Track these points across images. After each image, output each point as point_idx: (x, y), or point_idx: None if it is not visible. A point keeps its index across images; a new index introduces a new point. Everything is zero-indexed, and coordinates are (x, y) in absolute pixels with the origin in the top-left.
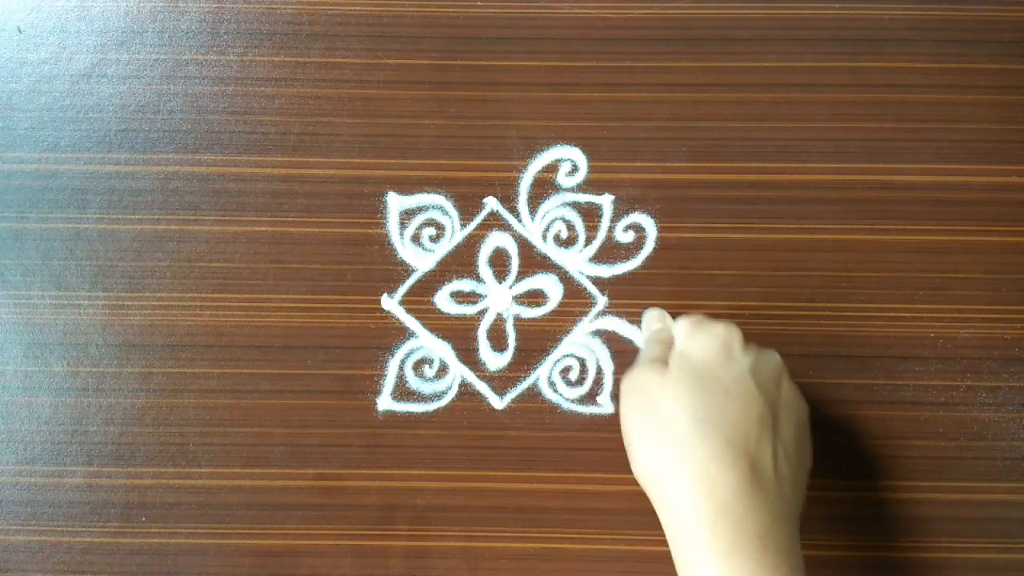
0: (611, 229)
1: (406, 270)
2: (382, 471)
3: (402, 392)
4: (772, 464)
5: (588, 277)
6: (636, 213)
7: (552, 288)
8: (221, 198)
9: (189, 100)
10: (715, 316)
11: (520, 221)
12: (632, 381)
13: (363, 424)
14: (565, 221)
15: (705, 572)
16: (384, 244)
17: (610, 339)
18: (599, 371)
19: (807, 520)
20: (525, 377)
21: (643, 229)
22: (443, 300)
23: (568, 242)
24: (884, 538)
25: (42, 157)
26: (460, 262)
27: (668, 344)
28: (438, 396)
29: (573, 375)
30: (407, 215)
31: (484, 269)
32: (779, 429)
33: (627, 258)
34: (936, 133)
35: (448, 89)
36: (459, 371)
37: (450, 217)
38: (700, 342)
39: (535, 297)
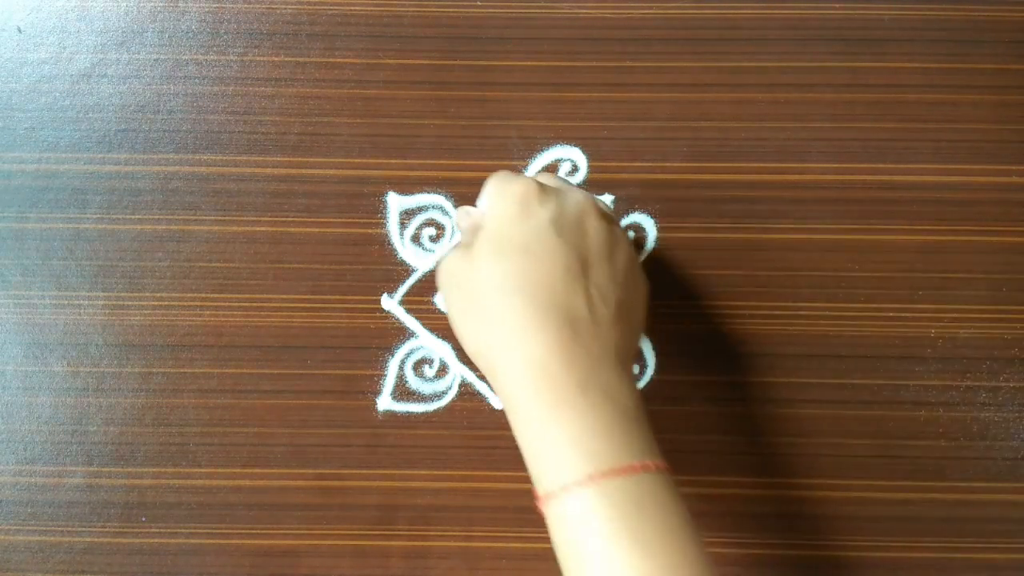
0: None
1: (406, 270)
2: (382, 471)
3: (402, 392)
4: (587, 310)
5: None
6: (636, 213)
7: None
8: (221, 198)
9: (189, 100)
10: (715, 316)
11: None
12: (442, 268)
13: (363, 424)
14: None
15: (531, 431)
16: (384, 244)
17: None
18: None
19: (804, 520)
20: None
21: (643, 229)
22: (443, 300)
23: None
24: (884, 538)
25: (42, 157)
26: None
27: (478, 227)
28: (438, 396)
29: None
30: (407, 215)
31: None
32: (590, 273)
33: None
34: (936, 133)
35: (448, 89)
36: (459, 371)
37: (450, 217)
38: (497, 208)
39: None
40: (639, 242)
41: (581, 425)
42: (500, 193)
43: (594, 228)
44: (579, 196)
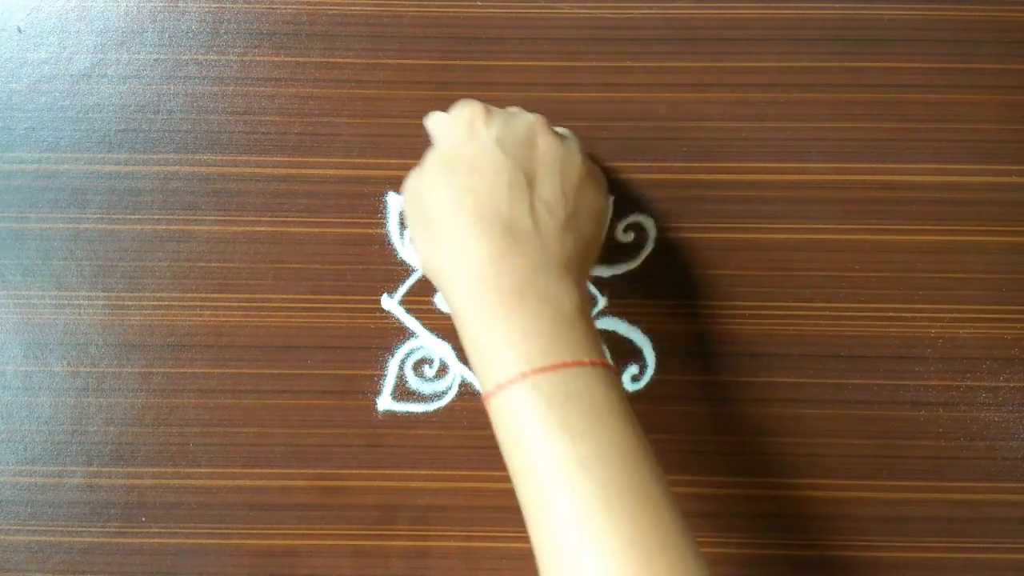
0: (611, 229)
1: (406, 270)
2: (382, 471)
3: (402, 392)
4: (531, 221)
5: (588, 277)
6: (636, 213)
7: None
8: (221, 198)
9: (189, 100)
10: (715, 316)
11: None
12: (403, 190)
13: (363, 424)
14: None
15: (471, 337)
16: (384, 244)
17: (610, 339)
18: None
19: (804, 520)
20: None
21: (643, 229)
22: (443, 301)
23: None
24: (884, 538)
25: (42, 157)
26: None
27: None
28: (438, 396)
29: None
30: None
31: None
32: (537, 186)
33: (627, 258)
34: (936, 133)
35: (448, 89)
36: (459, 371)
37: None
38: (445, 130)
39: None
40: (639, 242)
41: (516, 327)
42: (450, 116)
43: (544, 144)
44: (529, 117)
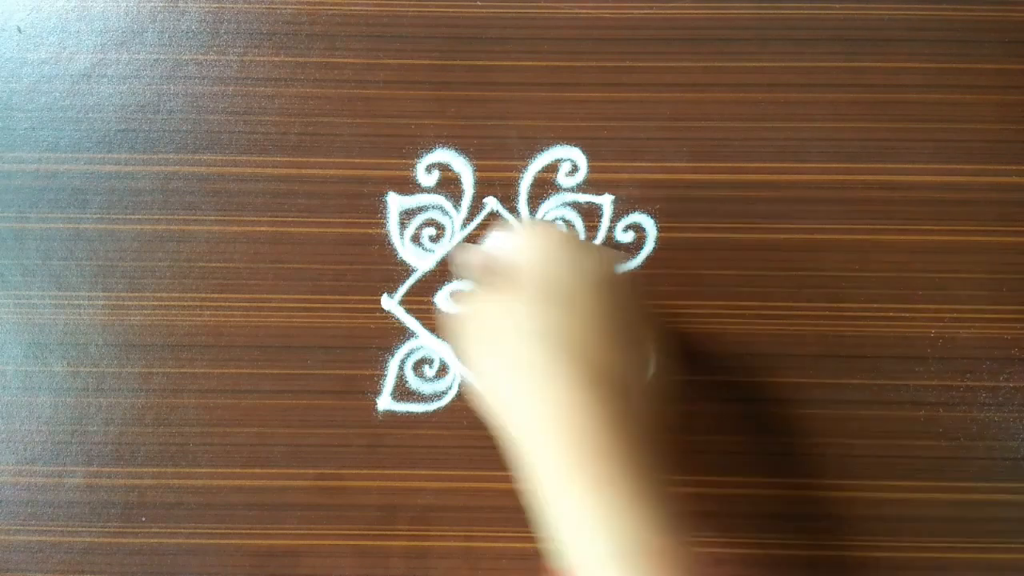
0: (611, 229)
1: (406, 270)
2: (382, 471)
3: (402, 392)
4: (623, 374)
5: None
6: (636, 213)
7: None
8: (221, 198)
9: (189, 100)
10: (715, 316)
11: (520, 221)
12: (471, 313)
13: (363, 424)
14: (565, 221)
15: (564, 500)
16: (384, 244)
17: None
18: None
19: (804, 520)
20: None
21: (643, 229)
22: (443, 300)
23: None
24: (884, 538)
25: (42, 157)
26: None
27: (494, 269)
28: (438, 396)
29: None
30: (407, 215)
31: None
32: (627, 334)
33: (627, 258)
34: (936, 133)
35: (448, 89)
36: (459, 371)
37: (450, 217)
38: (535, 255)
39: None
40: (639, 242)
41: (622, 502)
42: (543, 240)
43: (629, 291)
44: (613, 253)
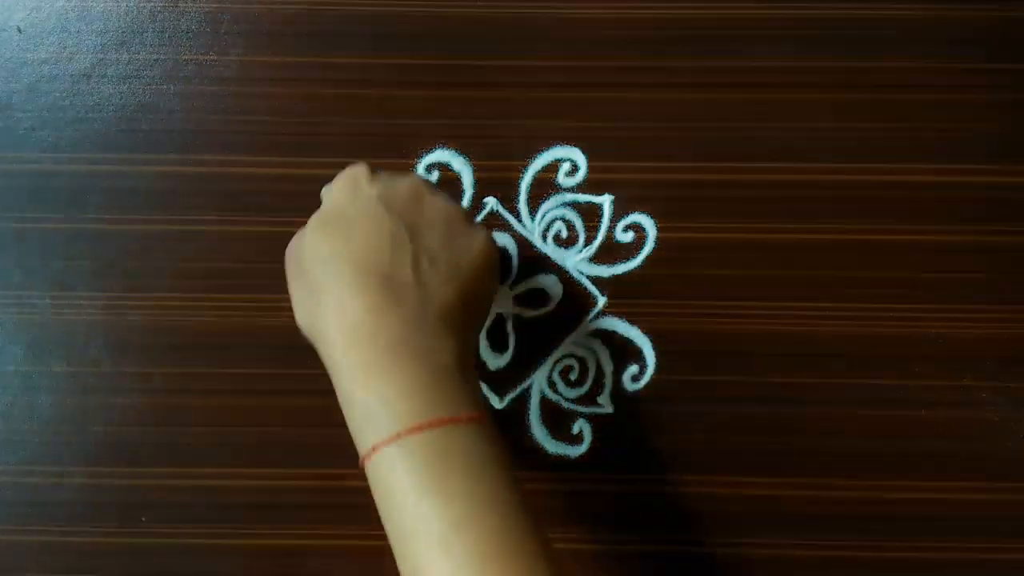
0: (611, 229)
1: None
2: None
3: None
4: (412, 273)
5: (588, 277)
6: (636, 213)
7: (552, 288)
8: (221, 198)
9: (189, 100)
10: (715, 316)
11: (520, 221)
12: (287, 250)
13: None
14: (565, 221)
15: (346, 395)
16: None
17: (610, 339)
18: (599, 371)
19: (804, 520)
20: (525, 377)
21: (643, 229)
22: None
23: (568, 242)
24: (884, 538)
25: (42, 157)
26: None
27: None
28: None
29: (573, 375)
30: None
31: None
32: (420, 239)
33: (627, 258)
34: (936, 133)
35: (448, 89)
36: None
37: None
38: (330, 192)
39: (535, 297)
40: (639, 242)
41: (391, 385)
42: (337, 179)
43: (429, 200)
44: (413, 177)
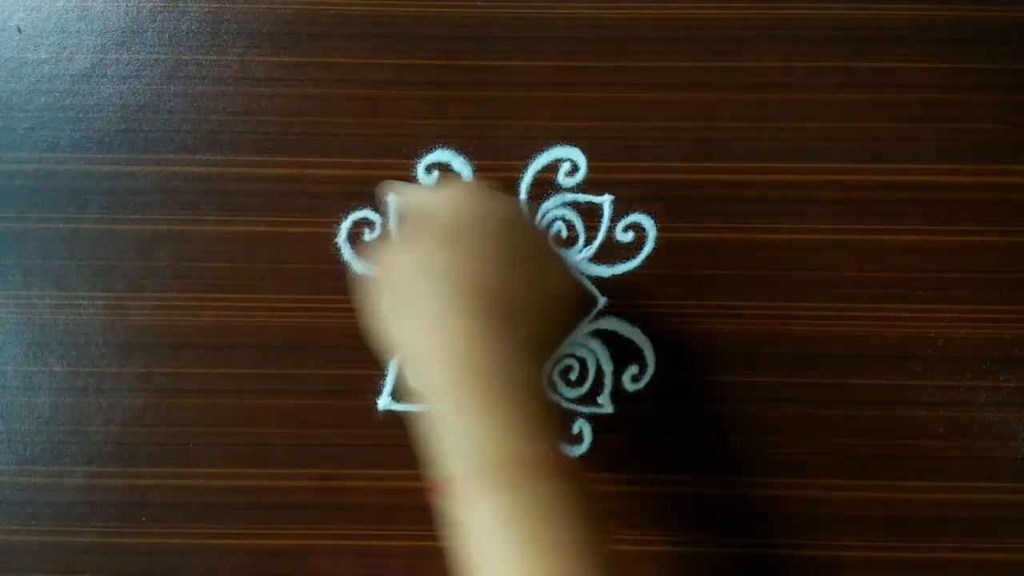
0: (611, 229)
1: None
2: (382, 471)
3: (402, 392)
4: (519, 302)
5: (588, 277)
6: (636, 213)
7: None
8: (221, 198)
9: (189, 100)
10: (715, 316)
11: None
12: (381, 264)
13: (363, 424)
14: (565, 221)
15: (436, 417)
16: None
17: (610, 339)
18: (599, 371)
19: (804, 520)
20: None
21: (643, 229)
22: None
23: (568, 242)
24: (884, 538)
25: (42, 157)
26: None
27: (422, 216)
28: None
29: (573, 375)
30: None
31: None
32: (527, 267)
33: (627, 258)
34: (936, 133)
35: (448, 89)
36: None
37: None
38: (447, 203)
39: None
40: (639, 242)
41: (488, 417)
42: (451, 188)
43: (530, 226)
44: (513, 201)
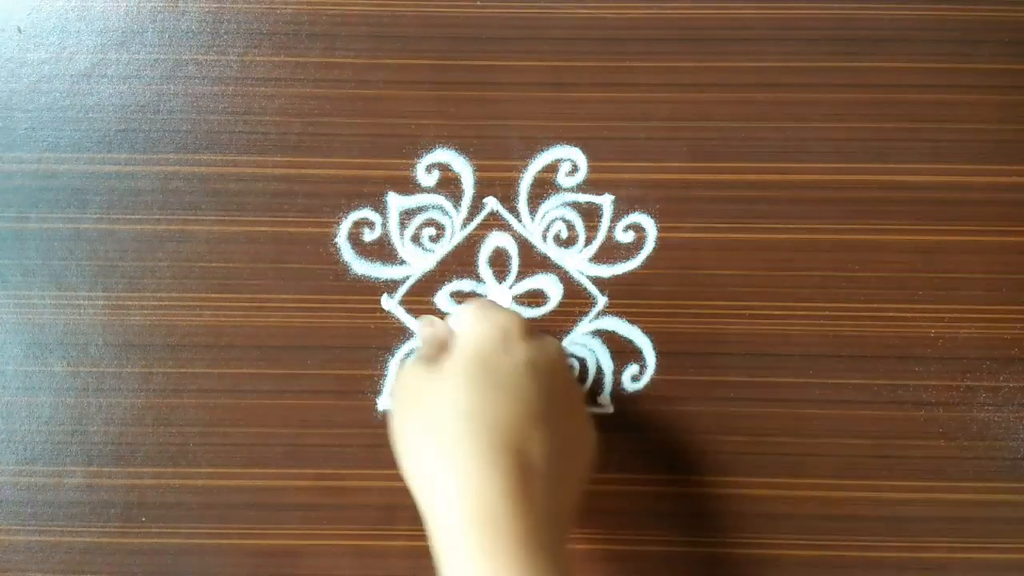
0: (611, 229)
1: (406, 270)
2: (382, 471)
3: None
4: (544, 460)
5: (588, 277)
6: (636, 213)
7: (552, 288)
8: (221, 198)
9: (189, 100)
10: (715, 316)
11: (520, 221)
12: (403, 379)
13: (363, 424)
14: (565, 221)
15: (451, 570)
16: (384, 244)
17: (610, 339)
18: (599, 371)
19: (804, 520)
20: None
21: (643, 229)
22: (443, 300)
23: (568, 242)
24: (884, 538)
25: (42, 157)
26: (460, 262)
27: (444, 342)
28: None
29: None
30: (407, 215)
31: (484, 269)
32: (554, 421)
33: (627, 258)
34: (936, 133)
35: (448, 89)
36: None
37: (450, 217)
38: (475, 332)
39: (535, 297)
40: (639, 242)
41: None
42: (484, 318)
43: (563, 379)
44: (556, 344)
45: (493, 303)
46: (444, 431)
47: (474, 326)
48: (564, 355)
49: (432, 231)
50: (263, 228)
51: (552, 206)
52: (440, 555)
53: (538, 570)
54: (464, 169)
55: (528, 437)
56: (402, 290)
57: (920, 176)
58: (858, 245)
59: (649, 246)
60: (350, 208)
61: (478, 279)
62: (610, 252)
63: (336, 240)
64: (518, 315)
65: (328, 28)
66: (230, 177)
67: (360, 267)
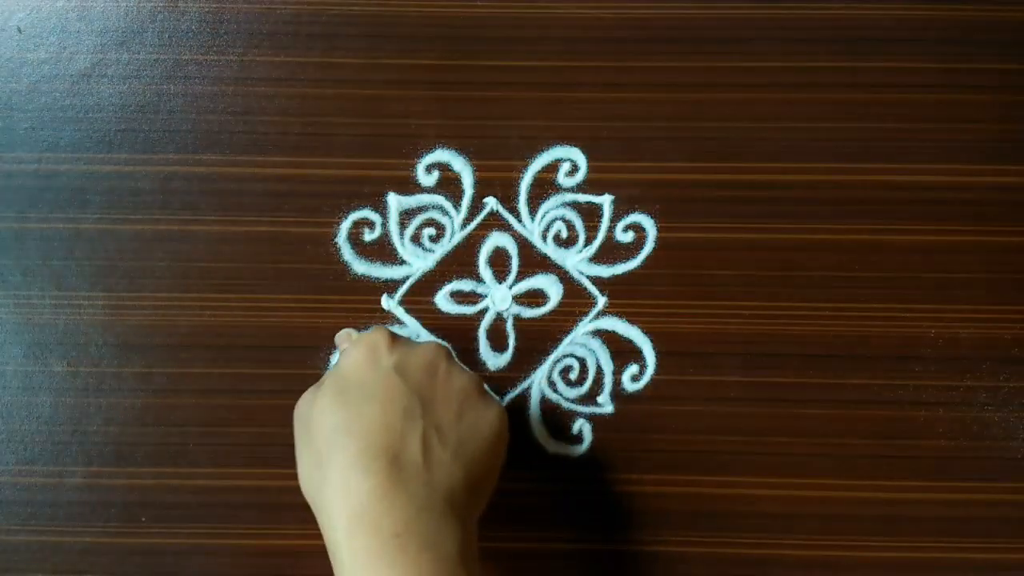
0: (611, 229)
1: (406, 270)
2: None
3: None
4: (421, 455)
5: (588, 277)
6: (636, 213)
7: (552, 288)
8: (221, 198)
9: (189, 100)
10: (715, 316)
11: (520, 221)
12: (297, 406)
13: None
14: (565, 221)
15: (345, 566)
16: (384, 244)
17: (610, 339)
18: (599, 371)
19: (805, 520)
20: (525, 377)
21: (643, 229)
22: (443, 300)
23: (568, 242)
24: (885, 538)
25: (42, 157)
26: (460, 262)
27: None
28: None
29: (573, 375)
30: (407, 215)
31: (484, 269)
32: (434, 414)
33: (627, 258)
34: (936, 133)
35: (448, 89)
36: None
37: (450, 217)
38: (348, 355)
39: (535, 297)
40: (639, 242)
41: (391, 571)
42: (355, 342)
43: (444, 372)
44: (432, 345)
45: (374, 327)
46: (320, 447)
47: (347, 351)
48: (441, 352)
49: (432, 231)
50: (263, 228)
51: (552, 206)
52: (333, 564)
53: (416, 561)
54: (464, 169)
55: (400, 434)
56: (402, 290)
57: (920, 176)
58: (858, 245)
59: (649, 246)
60: (350, 208)
61: (478, 279)
62: (610, 252)
63: (336, 240)
64: (387, 330)
65: (328, 28)
66: (230, 177)
67: (360, 267)
